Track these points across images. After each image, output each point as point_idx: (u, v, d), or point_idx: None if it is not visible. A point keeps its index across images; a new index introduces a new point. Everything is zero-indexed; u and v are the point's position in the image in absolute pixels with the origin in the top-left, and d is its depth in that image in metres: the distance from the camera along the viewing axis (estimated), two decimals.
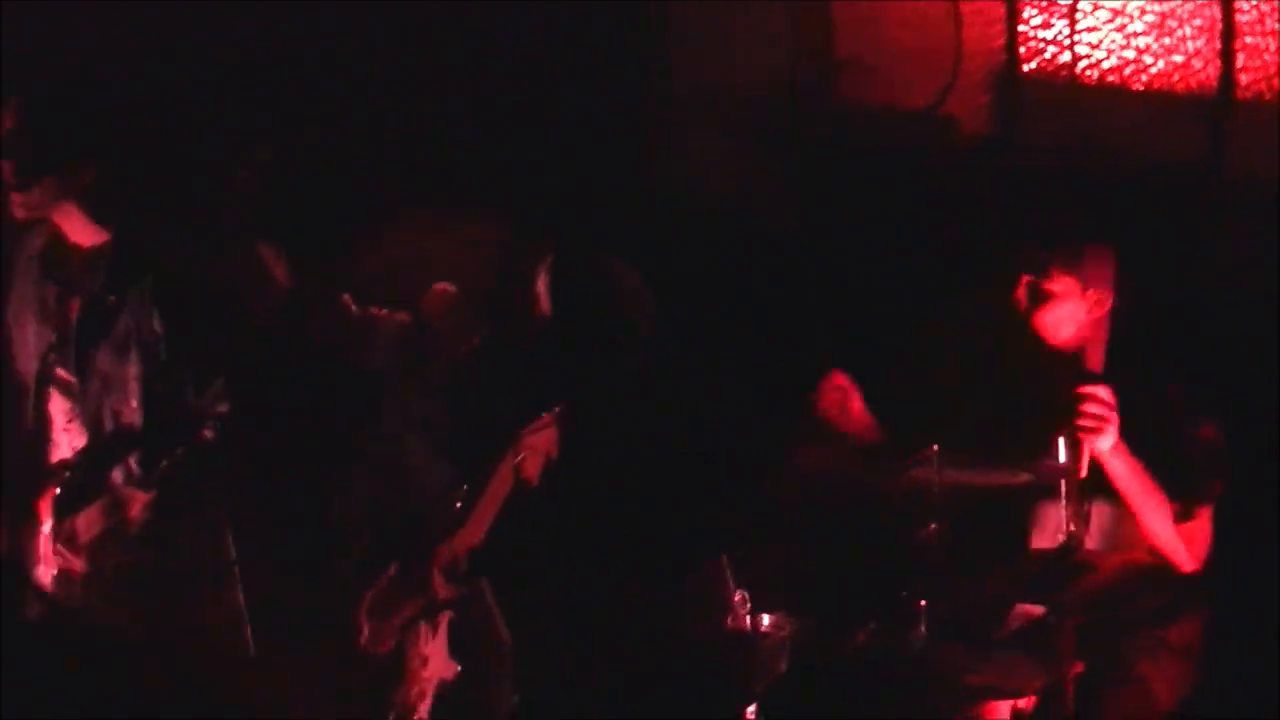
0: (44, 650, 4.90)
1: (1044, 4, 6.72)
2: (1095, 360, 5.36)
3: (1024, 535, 5.38)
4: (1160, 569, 5.18)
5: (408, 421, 4.83)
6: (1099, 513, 5.31)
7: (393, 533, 4.77)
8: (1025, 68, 6.74)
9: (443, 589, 4.23)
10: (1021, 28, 6.74)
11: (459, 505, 4.16)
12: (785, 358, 6.24)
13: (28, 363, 4.96)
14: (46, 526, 4.91)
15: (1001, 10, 6.75)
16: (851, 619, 5.06)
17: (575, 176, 6.05)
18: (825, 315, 6.43)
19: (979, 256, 5.89)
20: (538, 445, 4.12)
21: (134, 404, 4.93)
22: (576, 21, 6.41)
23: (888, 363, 6.04)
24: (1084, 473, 5.08)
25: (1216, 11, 6.53)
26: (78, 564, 4.87)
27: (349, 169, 4.01)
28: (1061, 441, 5.10)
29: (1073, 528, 5.06)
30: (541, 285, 3.94)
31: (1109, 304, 5.35)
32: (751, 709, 4.76)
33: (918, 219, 6.54)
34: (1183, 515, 5.23)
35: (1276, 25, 6.48)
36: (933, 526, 4.88)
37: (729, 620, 4.77)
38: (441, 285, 4.11)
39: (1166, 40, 6.62)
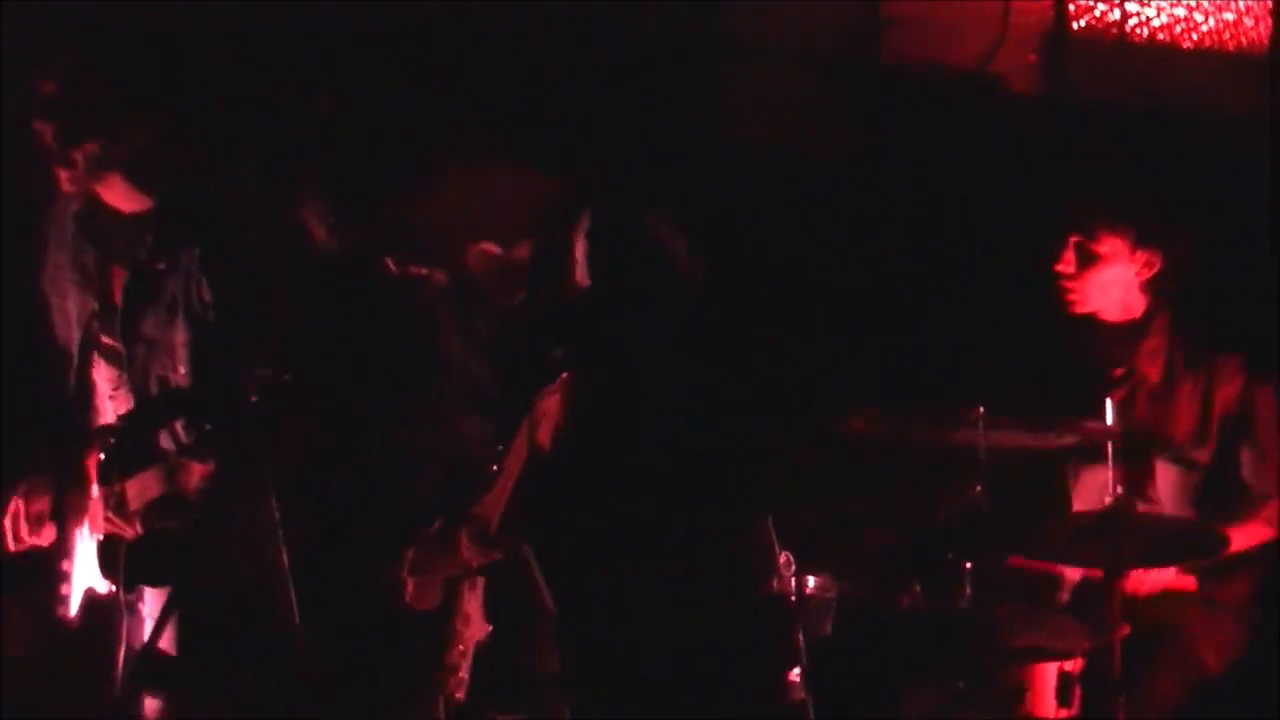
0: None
1: None
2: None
3: (1070, 497, 5.37)
4: (1210, 530, 5.16)
5: (450, 379, 4.84)
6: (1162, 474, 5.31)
7: (437, 489, 4.78)
8: (1074, 26, 6.69)
9: (471, 555, 4.22)
10: None
11: (494, 469, 4.16)
12: (830, 316, 6.23)
13: (68, 329, 4.97)
14: (94, 491, 4.94)
15: None
16: (897, 581, 5.06)
17: (630, 125, 6.05)
18: (875, 271, 6.40)
19: (1026, 217, 5.86)
20: (549, 410, 4.11)
21: (181, 370, 4.93)
22: None
23: (933, 323, 6.03)
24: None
25: None
26: (129, 530, 4.89)
27: (393, 125, 3.99)
28: (1109, 404, 5.07)
29: (1120, 489, 5.04)
30: (579, 250, 3.92)
31: (1158, 265, 5.32)
32: (796, 671, 4.75)
33: (967, 178, 6.50)
34: None
35: None
36: (978, 489, 4.85)
37: (774, 583, 4.76)
38: (483, 244, 4.10)
39: None
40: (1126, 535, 4.82)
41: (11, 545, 4.91)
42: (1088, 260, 5.32)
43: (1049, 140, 6.51)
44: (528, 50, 6.08)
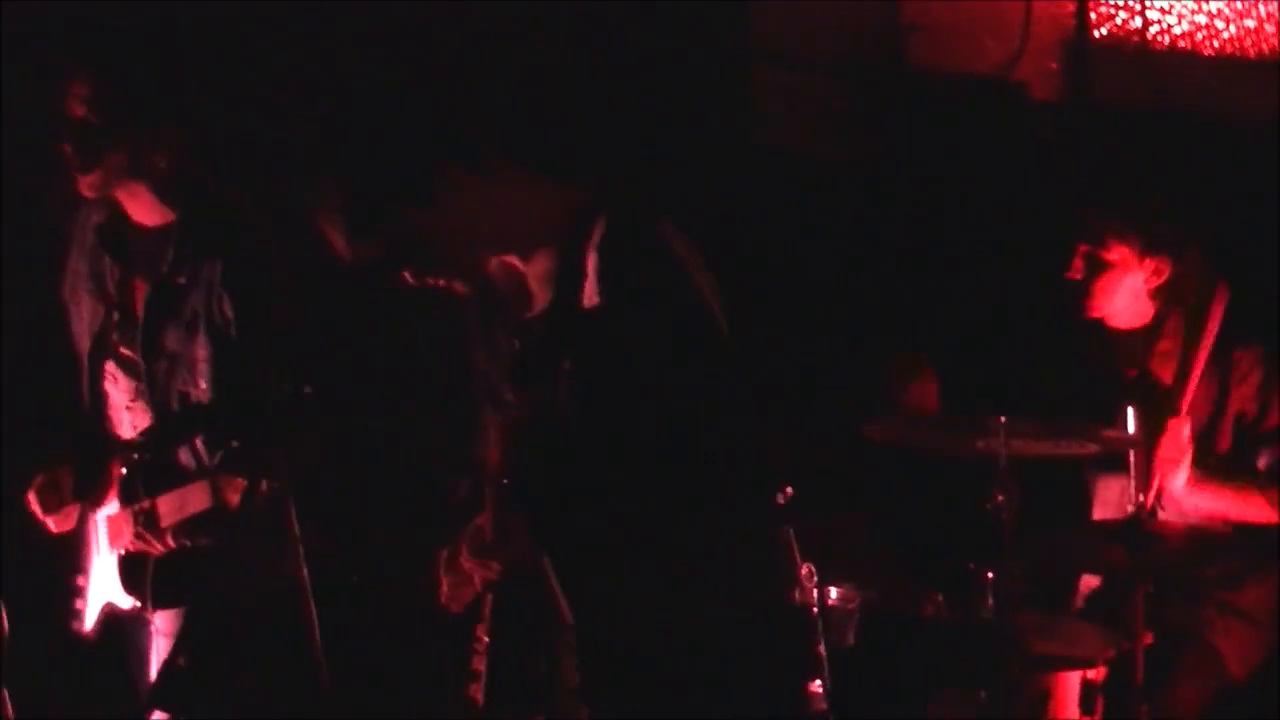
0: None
1: None
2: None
3: (1091, 506, 5.37)
4: (1231, 537, 5.14)
5: (470, 392, 4.84)
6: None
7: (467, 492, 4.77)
8: (1096, 33, 6.68)
9: (472, 569, 4.22)
10: None
11: (505, 482, 4.15)
12: (854, 319, 6.23)
13: (83, 338, 5.00)
14: (114, 506, 4.95)
15: None
16: (919, 590, 5.05)
17: (657, 132, 6.06)
18: (896, 277, 6.41)
19: (1044, 224, 5.86)
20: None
21: (202, 385, 4.93)
22: None
23: (956, 328, 6.03)
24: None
25: None
26: (158, 547, 4.89)
27: (415, 129, 3.98)
28: (1130, 412, 5.07)
29: (1141, 498, 5.03)
30: (590, 265, 3.91)
31: (1168, 273, 5.31)
32: (818, 682, 4.75)
33: (988, 185, 6.50)
34: None
35: None
36: (1000, 497, 4.84)
37: (796, 593, 4.76)
38: (503, 257, 4.09)
39: (1238, 4, 6.55)
40: (1148, 542, 4.83)
41: (40, 515, 4.94)
42: (1097, 268, 5.32)
43: (1070, 147, 6.51)
44: (554, 58, 6.11)
